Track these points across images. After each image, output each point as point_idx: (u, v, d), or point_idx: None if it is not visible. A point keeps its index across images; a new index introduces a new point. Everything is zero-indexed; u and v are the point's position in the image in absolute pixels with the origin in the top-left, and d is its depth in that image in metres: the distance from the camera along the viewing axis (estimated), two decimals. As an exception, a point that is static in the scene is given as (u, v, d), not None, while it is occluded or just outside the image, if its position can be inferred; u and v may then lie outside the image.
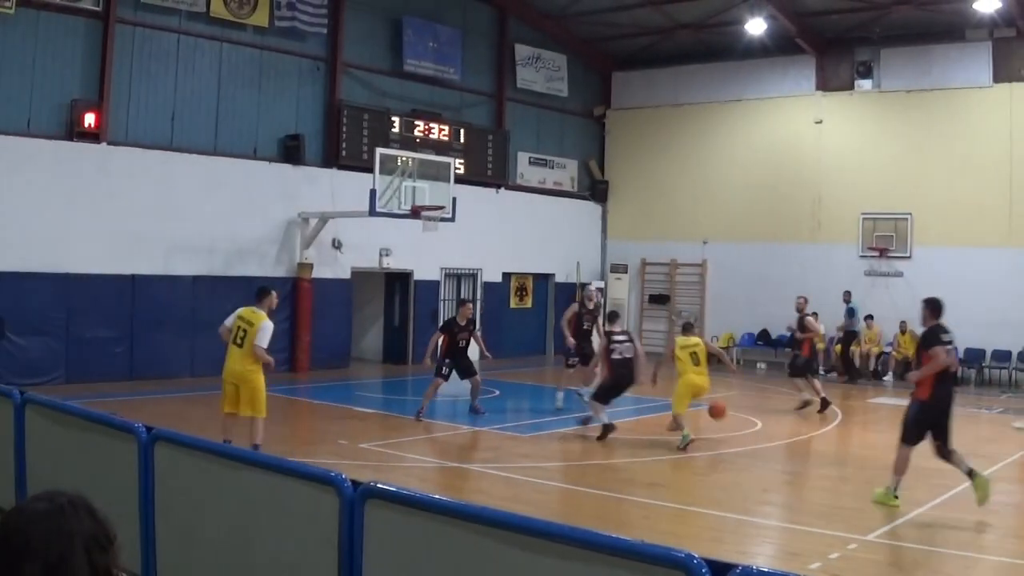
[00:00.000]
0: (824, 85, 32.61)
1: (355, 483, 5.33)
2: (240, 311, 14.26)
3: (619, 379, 17.94)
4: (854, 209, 31.45)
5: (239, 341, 13.95)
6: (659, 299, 35.58)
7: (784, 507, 13.37)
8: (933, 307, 13.02)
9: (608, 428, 17.43)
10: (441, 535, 4.82)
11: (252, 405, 14.09)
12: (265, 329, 14.03)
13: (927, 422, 12.48)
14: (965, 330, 27.57)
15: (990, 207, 29.30)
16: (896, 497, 12.58)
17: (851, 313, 29.82)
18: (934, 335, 12.64)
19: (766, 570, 3.78)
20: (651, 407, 21.36)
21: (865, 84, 31.98)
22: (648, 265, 35.75)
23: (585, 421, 18.96)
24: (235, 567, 6.33)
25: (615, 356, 17.89)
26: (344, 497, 5.30)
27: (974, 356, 28.32)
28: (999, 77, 29.66)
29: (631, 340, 18.39)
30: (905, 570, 10.14)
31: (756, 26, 30.03)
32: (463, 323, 20.39)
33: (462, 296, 28.93)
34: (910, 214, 30.56)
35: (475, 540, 4.63)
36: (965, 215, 29.68)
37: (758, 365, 32.41)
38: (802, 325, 22.80)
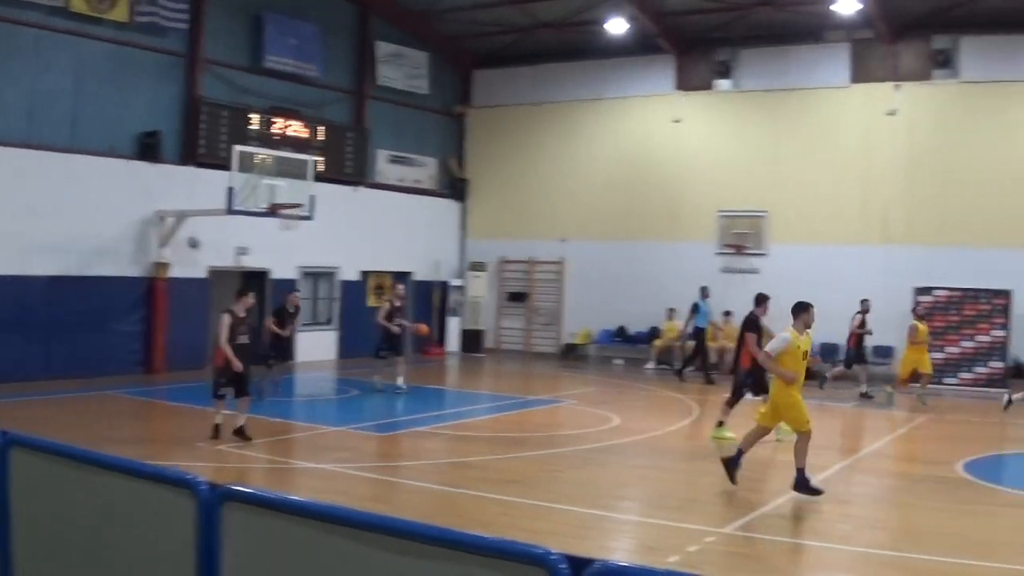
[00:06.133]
0: (684, 84, 33.07)
1: (212, 485, 5.27)
2: None
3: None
4: (711, 207, 31.99)
5: None
6: (517, 297, 35.75)
7: (642, 501, 13.53)
8: None
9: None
10: (301, 537, 4.79)
11: None
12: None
13: None
14: (821, 326, 28.19)
15: (846, 205, 30.10)
16: None
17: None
18: None
19: (625, 565, 3.83)
20: (508, 404, 21.48)
21: (724, 84, 32.54)
22: (507, 263, 35.90)
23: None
24: (94, 574, 6.22)
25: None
26: (201, 500, 5.22)
27: (831, 351, 28.96)
28: (857, 78, 30.50)
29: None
30: (762, 561, 10.34)
31: (617, 25, 30.38)
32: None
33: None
34: (767, 212, 31.19)
35: (335, 541, 4.61)
36: (821, 213, 30.43)
37: (615, 361, 32.75)
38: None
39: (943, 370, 27.78)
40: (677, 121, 32.98)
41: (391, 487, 13.81)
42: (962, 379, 27.81)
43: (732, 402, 18.12)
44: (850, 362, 25.85)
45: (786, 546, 11.04)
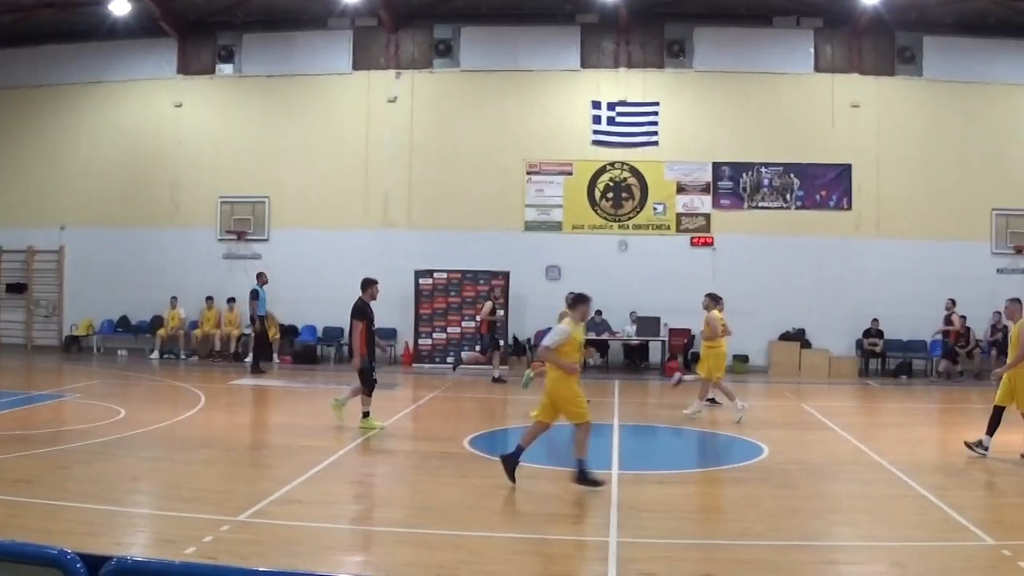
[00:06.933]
0: (186, 69, 32.78)
1: None
2: None
3: None
4: (213, 193, 32.07)
5: None
6: (17, 288, 34.18)
7: (155, 495, 13.29)
8: None
9: None
10: None
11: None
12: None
13: None
14: (325, 308, 29.12)
15: (348, 191, 30.96)
16: None
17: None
18: None
19: (141, 560, 3.81)
20: (9, 401, 20.58)
21: (226, 68, 32.51)
22: (4, 253, 34.22)
23: None
24: None
25: None
26: None
27: (334, 334, 29.70)
28: (359, 65, 31.51)
29: None
30: (279, 547, 10.41)
31: (120, 7, 29.61)
32: None
33: None
34: (268, 197, 31.51)
35: None
36: (323, 198, 31.17)
37: (119, 352, 32.07)
38: None
39: (445, 349, 29.23)
40: (179, 106, 32.70)
41: None
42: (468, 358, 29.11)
43: (368, 391, 18.20)
44: (485, 348, 26.74)
45: (302, 530, 11.18)
